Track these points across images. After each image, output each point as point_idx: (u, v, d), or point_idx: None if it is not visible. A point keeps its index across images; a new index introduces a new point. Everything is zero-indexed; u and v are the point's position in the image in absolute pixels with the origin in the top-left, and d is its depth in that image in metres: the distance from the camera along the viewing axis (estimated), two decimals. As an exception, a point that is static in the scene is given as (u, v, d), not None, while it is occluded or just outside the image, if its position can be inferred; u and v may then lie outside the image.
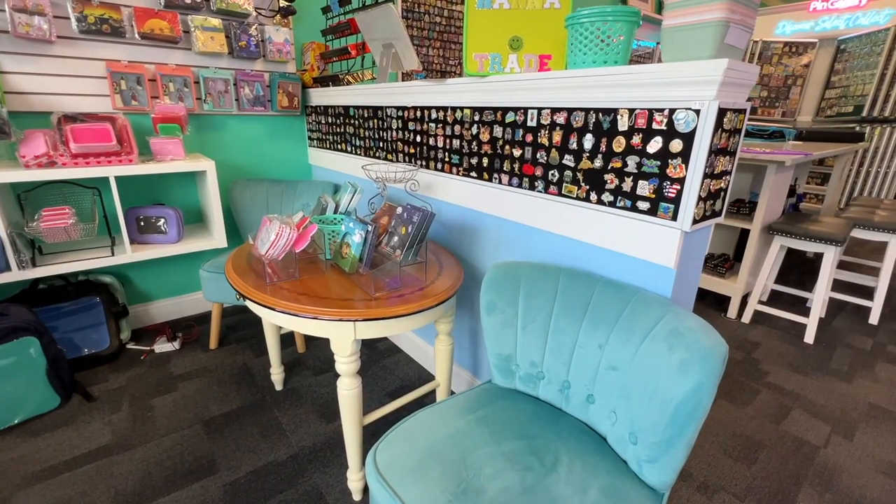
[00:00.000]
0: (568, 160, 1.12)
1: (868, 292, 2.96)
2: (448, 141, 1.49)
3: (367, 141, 1.96)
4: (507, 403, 1.07)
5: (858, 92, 4.52)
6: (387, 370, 1.91)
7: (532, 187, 1.23)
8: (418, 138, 1.63)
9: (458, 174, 1.48)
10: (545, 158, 1.18)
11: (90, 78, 1.82)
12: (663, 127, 0.91)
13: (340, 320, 1.03)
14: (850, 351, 2.20)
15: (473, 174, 1.42)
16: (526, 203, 1.26)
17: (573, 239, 1.17)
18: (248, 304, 1.19)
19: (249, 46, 2.11)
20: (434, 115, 1.52)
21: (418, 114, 1.59)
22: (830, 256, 2.17)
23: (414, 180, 1.49)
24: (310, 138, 2.48)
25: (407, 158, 1.71)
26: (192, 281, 2.35)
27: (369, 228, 1.20)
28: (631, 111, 0.96)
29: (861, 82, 4.50)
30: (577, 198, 1.12)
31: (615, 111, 0.99)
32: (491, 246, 1.45)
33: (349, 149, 2.11)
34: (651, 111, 0.93)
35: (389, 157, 1.82)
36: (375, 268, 1.23)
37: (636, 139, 0.96)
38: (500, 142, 1.30)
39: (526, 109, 1.20)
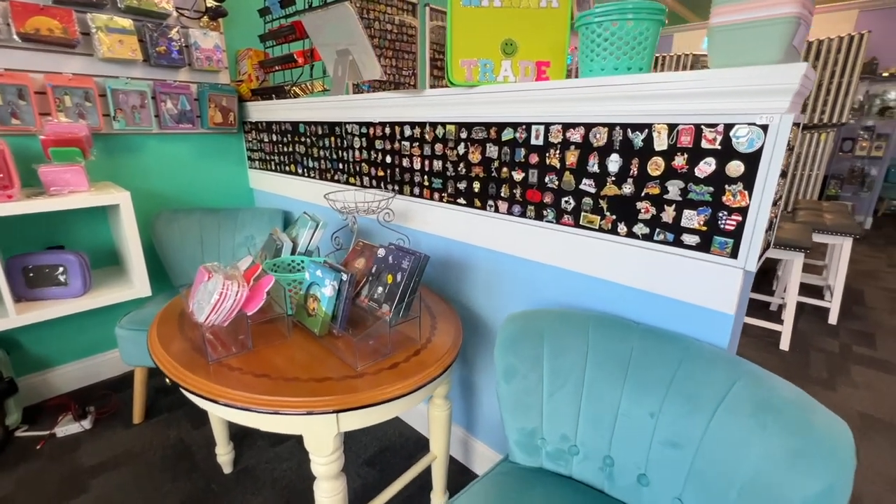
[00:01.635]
0: (587, 185, 0.93)
1: (818, 291, 3.09)
2: (427, 162, 1.26)
3: (322, 162, 1.68)
4: (536, 494, 0.85)
5: (780, 101, 4.88)
6: (362, 429, 1.62)
7: (539, 217, 1.04)
8: (388, 159, 1.39)
9: (441, 200, 1.26)
10: (556, 183, 0.99)
11: (-52, 90, 1.40)
12: (717, 146, 0.75)
13: (319, 413, 0.76)
14: (823, 355, 2.22)
15: (462, 201, 1.20)
16: (531, 235, 1.06)
17: (594, 277, 0.98)
18: (185, 392, 0.88)
19: (171, 53, 1.77)
20: (409, 133, 1.29)
21: (387, 130, 1.36)
22: (799, 262, 2.19)
23: (388, 209, 1.25)
24: (250, 159, 2.15)
25: (375, 182, 1.46)
26: (108, 336, 1.91)
27: (344, 278, 0.94)
28: (671, 127, 0.80)
29: (781, 92, 4.86)
30: (601, 229, 0.93)
31: (649, 127, 0.82)
32: (484, 284, 1.24)
33: (300, 171, 1.82)
34: (699, 127, 0.76)
35: (352, 180, 1.56)
36: (353, 325, 0.97)
37: (679, 160, 0.80)
38: (496, 163, 1.09)
39: (529, 125, 1.01)
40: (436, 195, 1.27)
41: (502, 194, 1.10)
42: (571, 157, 0.95)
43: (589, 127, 0.90)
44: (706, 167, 0.77)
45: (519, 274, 1.14)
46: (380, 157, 1.41)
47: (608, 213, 0.91)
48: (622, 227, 0.90)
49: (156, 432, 1.60)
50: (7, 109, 1.48)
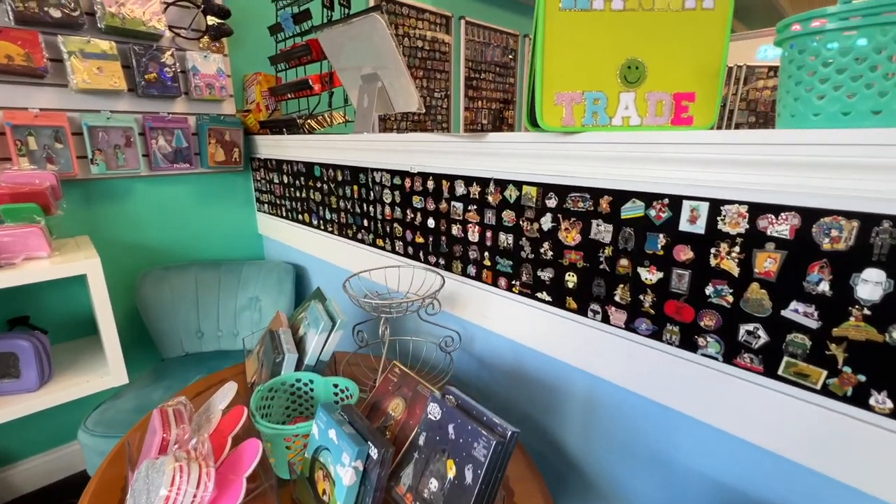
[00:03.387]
0: (800, 313, 0.53)
1: None
2: (489, 234, 0.88)
3: (342, 215, 1.32)
4: None
5: (851, 116, 4.34)
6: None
7: (689, 345, 0.64)
8: (430, 222, 1.01)
9: (509, 290, 0.87)
10: (728, 299, 0.59)
11: None
12: None
13: None
14: None
15: (544, 296, 0.81)
16: (672, 368, 0.66)
17: (800, 464, 0.57)
18: None
19: (163, 80, 1.45)
20: (461, 191, 0.91)
21: (430, 184, 0.99)
22: None
23: (434, 299, 0.87)
24: (258, 201, 1.82)
25: (412, 250, 1.09)
26: (77, 422, 1.58)
27: (373, 454, 0.57)
28: None
29: (854, 106, 4.33)
30: (826, 392, 0.53)
31: (974, 229, 0.42)
32: (578, 420, 0.84)
33: (315, 222, 1.47)
34: None
35: (380, 242, 1.19)
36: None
37: None
38: (608, 250, 0.70)
39: (678, 199, 0.61)
40: (501, 281, 0.89)
41: (617, 298, 0.71)
42: (767, 262, 0.55)
43: (812, 215, 0.51)
44: None
45: (641, 421, 0.74)
46: (418, 217, 1.04)
47: (846, 369, 0.51)
48: (880, 399, 0.49)
49: (126, 565, 1.23)
50: (-51, 157, 1.18)
